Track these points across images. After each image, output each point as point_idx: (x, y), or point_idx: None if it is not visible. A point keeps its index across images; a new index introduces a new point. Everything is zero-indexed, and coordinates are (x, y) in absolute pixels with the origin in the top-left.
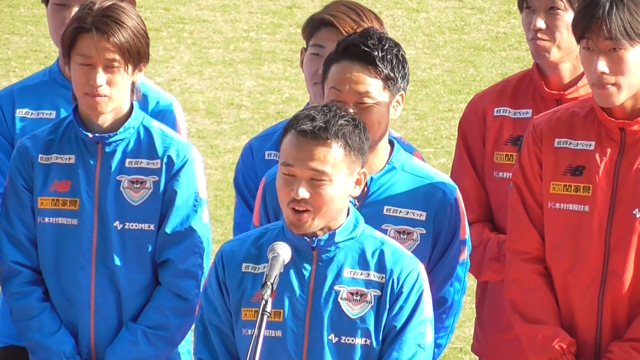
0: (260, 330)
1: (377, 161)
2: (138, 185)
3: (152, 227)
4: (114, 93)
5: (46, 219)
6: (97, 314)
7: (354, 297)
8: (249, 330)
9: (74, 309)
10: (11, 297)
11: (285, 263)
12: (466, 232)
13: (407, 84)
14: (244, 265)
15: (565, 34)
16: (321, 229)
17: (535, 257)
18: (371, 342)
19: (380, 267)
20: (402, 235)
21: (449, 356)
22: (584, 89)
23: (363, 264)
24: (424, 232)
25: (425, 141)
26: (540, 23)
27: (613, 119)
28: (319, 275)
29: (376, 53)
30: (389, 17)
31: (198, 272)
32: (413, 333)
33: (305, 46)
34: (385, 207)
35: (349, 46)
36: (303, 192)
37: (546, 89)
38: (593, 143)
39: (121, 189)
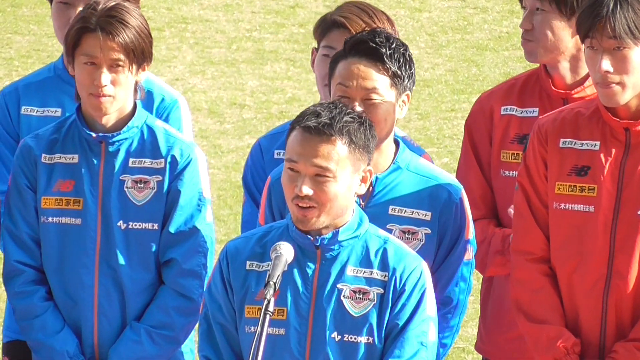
0: (263, 329)
1: (382, 161)
2: (142, 185)
3: (155, 226)
4: (118, 93)
5: (50, 219)
6: (100, 313)
7: (357, 295)
8: (252, 328)
9: (77, 309)
10: (14, 297)
11: (288, 263)
12: (471, 232)
13: (413, 85)
14: (248, 263)
15: (550, 34)
16: (327, 227)
17: (540, 257)
18: (374, 340)
19: (384, 265)
20: (407, 235)
21: (451, 356)
22: (590, 89)
23: (366, 262)
24: (429, 232)
25: (428, 141)
26: (526, 23)
27: (618, 119)
28: (322, 273)
29: (384, 50)
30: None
31: (202, 271)
32: (415, 331)
33: (316, 46)
34: (390, 207)
35: (357, 43)
36: (306, 189)
37: (553, 88)
38: (598, 143)
39: (125, 188)
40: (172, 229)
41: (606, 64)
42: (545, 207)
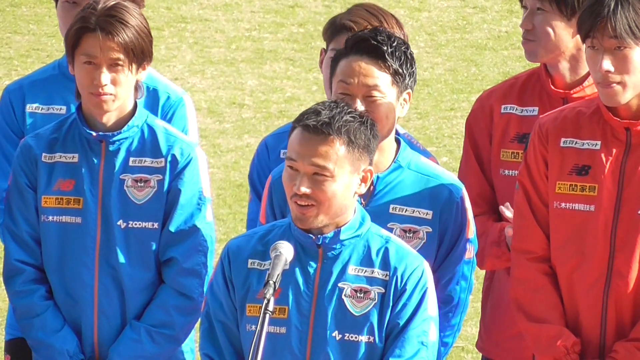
0: (263, 328)
1: (383, 159)
2: (142, 184)
3: (156, 225)
4: (118, 92)
5: (50, 218)
6: (100, 312)
7: (358, 294)
8: (253, 326)
9: (77, 308)
10: (15, 296)
11: (288, 262)
12: (472, 230)
13: (414, 83)
14: (249, 261)
15: (551, 34)
16: (327, 226)
17: (540, 257)
18: (374, 340)
19: (385, 264)
20: (408, 234)
21: (451, 355)
22: (590, 89)
23: (368, 261)
24: (430, 230)
25: (427, 140)
26: (527, 23)
27: (618, 119)
28: (324, 272)
29: (385, 48)
30: None
31: (202, 270)
32: (416, 331)
33: (325, 48)
34: (392, 206)
35: (359, 41)
36: (304, 188)
37: (552, 88)
38: (599, 142)
39: (125, 187)
40: (172, 228)
41: (607, 64)
42: (545, 207)
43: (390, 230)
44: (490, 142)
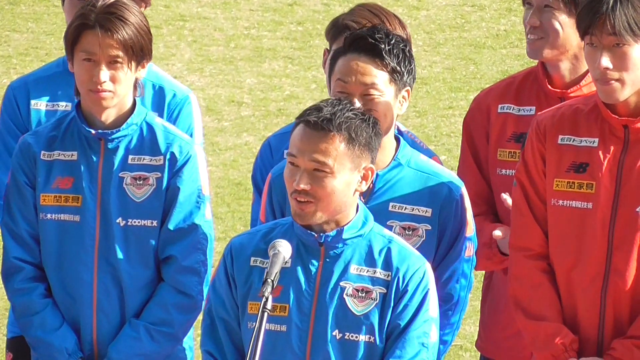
0: (261, 327)
1: (383, 157)
2: (141, 182)
3: (154, 223)
4: (117, 89)
5: (48, 216)
6: (99, 310)
7: (359, 294)
8: (254, 324)
9: (76, 306)
10: (14, 294)
11: (286, 260)
12: (472, 228)
13: (413, 81)
14: (252, 259)
15: (561, 31)
16: (327, 223)
17: (538, 254)
18: (375, 340)
19: (387, 264)
20: (407, 232)
21: (449, 353)
22: (587, 88)
23: (370, 261)
24: (429, 228)
25: (425, 138)
26: (534, 20)
27: (617, 116)
28: (325, 271)
29: (383, 46)
30: None
31: (201, 268)
32: (417, 332)
33: (328, 48)
34: (391, 204)
35: (356, 39)
36: (303, 184)
37: (550, 87)
38: (596, 140)
39: (124, 185)
40: (171, 225)
41: (606, 61)
42: (543, 204)
43: (390, 228)
44: (488, 142)
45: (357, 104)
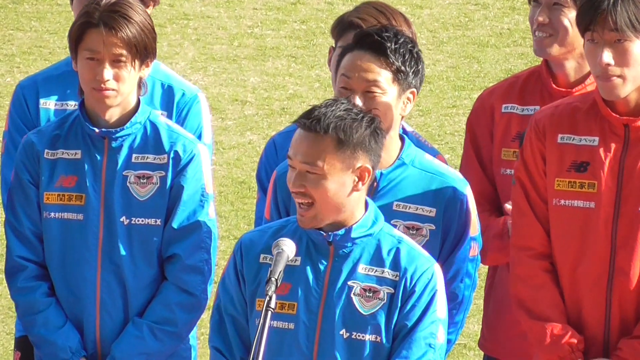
0: (265, 325)
1: (387, 156)
2: (145, 181)
3: (158, 222)
4: (120, 88)
5: (52, 214)
6: (102, 309)
7: (367, 294)
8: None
9: (79, 304)
10: (17, 292)
11: (290, 259)
12: (476, 228)
13: (419, 82)
14: (262, 256)
15: (570, 29)
16: (330, 224)
17: (540, 253)
18: (381, 339)
19: (395, 265)
20: (411, 231)
21: (453, 352)
22: (592, 87)
23: (378, 261)
24: (433, 227)
25: (429, 137)
26: (542, 17)
27: (617, 115)
28: (334, 270)
29: (389, 44)
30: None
31: (204, 267)
32: (424, 333)
33: (333, 45)
34: (395, 203)
35: (363, 36)
36: (295, 185)
37: (554, 86)
38: (597, 138)
39: (128, 184)
40: (174, 224)
41: (607, 57)
42: (544, 202)
43: (394, 227)
44: (492, 141)
45: (358, 101)
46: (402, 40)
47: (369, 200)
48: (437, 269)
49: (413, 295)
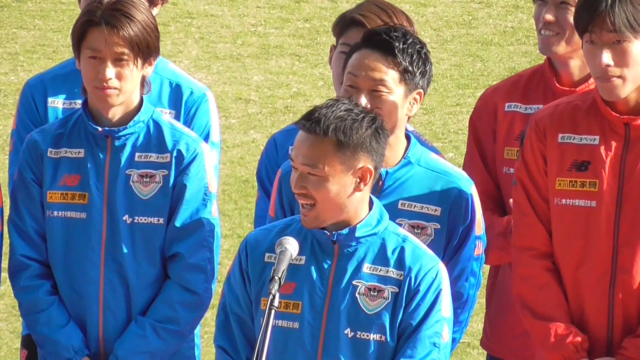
0: (268, 324)
1: (392, 155)
2: (147, 179)
3: (161, 221)
4: (123, 86)
5: (55, 213)
6: (105, 307)
7: (372, 293)
8: None
9: (82, 303)
10: (20, 291)
11: (293, 257)
12: (481, 227)
13: (427, 83)
14: (266, 255)
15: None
16: (334, 224)
17: (542, 253)
18: (386, 339)
19: (400, 264)
20: (416, 230)
21: (456, 350)
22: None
23: (383, 260)
24: (438, 227)
25: (433, 136)
26: (549, 16)
27: (617, 114)
28: (338, 269)
29: (397, 44)
30: None
31: (207, 266)
32: (429, 332)
33: (334, 43)
34: (400, 202)
35: (372, 35)
36: (297, 187)
37: (557, 85)
38: (597, 137)
39: (130, 183)
40: (177, 223)
41: (607, 58)
42: (545, 202)
43: (399, 226)
44: (494, 140)
45: (363, 101)
46: (410, 40)
47: (374, 199)
48: (441, 267)
49: (418, 294)
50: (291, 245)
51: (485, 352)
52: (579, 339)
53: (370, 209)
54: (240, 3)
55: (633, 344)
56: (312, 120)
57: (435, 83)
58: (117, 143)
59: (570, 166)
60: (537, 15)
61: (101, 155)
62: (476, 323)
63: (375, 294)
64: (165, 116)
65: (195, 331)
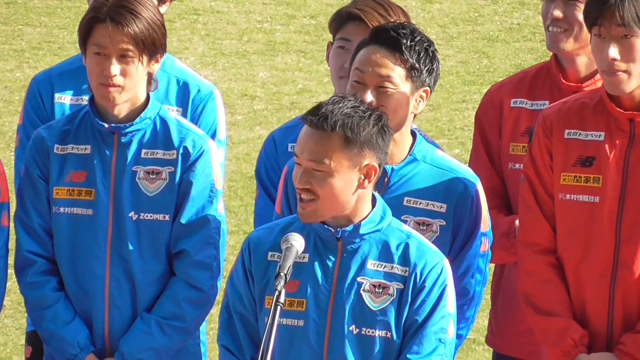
0: (274, 320)
1: (398, 152)
2: (154, 176)
3: (167, 217)
4: (127, 83)
5: (61, 209)
6: (111, 304)
7: (376, 290)
8: None
9: (88, 299)
10: (26, 287)
11: (299, 254)
12: (487, 224)
13: (434, 82)
14: (270, 253)
15: (584, 25)
16: (337, 221)
17: (546, 249)
18: (391, 335)
19: (404, 260)
20: (421, 227)
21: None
22: (601, 82)
23: (387, 256)
24: (444, 223)
25: (439, 132)
26: (558, 12)
27: (622, 110)
28: (342, 266)
29: (405, 41)
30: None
31: (213, 263)
32: (434, 328)
33: (331, 40)
34: (406, 198)
35: (380, 31)
36: (301, 182)
37: (563, 81)
38: (603, 134)
39: (137, 179)
40: (183, 220)
41: (613, 51)
42: (551, 198)
43: (404, 222)
44: (500, 136)
45: (369, 97)
46: (418, 38)
47: (377, 196)
48: (446, 263)
49: (423, 291)
50: (297, 242)
51: (491, 349)
52: (578, 334)
53: (373, 206)
54: (246, 0)
55: (631, 340)
56: (319, 116)
57: (441, 79)
58: (123, 140)
59: (575, 162)
60: (545, 11)
61: (108, 152)
62: (482, 319)
63: (380, 290)
64: (172, 113)
65: (201, 328)
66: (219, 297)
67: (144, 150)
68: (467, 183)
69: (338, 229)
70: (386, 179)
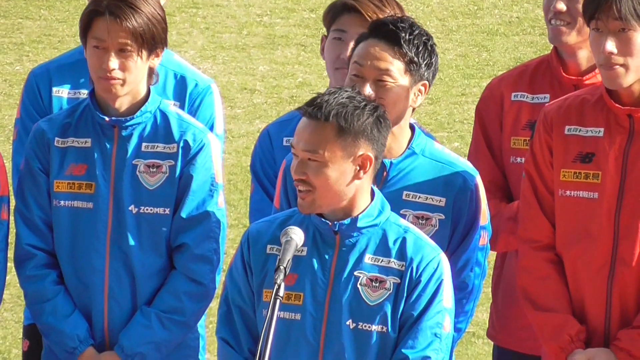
0: (274, 313)
1: (397, 146)
2: (154, 170)
3: (167, 211)
4: (127, 77)
5: (62, 202)
6: (111, 297)
7: (373, 284)
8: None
9: (88, 293)
10: (26, 280)
11: (299, 247)
12: (486, 217)
13: (432, 76)
14: (268, 246)
15: None
16: (335, 212)
17: (546, 245)
18: (387, 330)
19: (401, 254)
20: (420, 221)
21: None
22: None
23: (384, 250)
24: (443, 217)
25: (438, 125)
26: (561, 5)
27: (621, 106)
28: (340, 260)
29: (403, 34)
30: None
31: (213, 257)
32: (430, 322)
33: (325, 33)
34: (405, 192)
35: (379, 25)
36: (297, 173)
37: (564, 75)
38: (602, 130)
39: (137, 173)
40: (183, 213)
41: (610, 45)
42: (551, 195)
43: (403, 217)
44: (501, 129)
45: (368, 90)
46: (417, 32)
47: (376, 190)
48: (443, 258)
49: (419, 285)
50: (297, 235)
51: (491, 342)
52: (575, 329)
53: (371, 199)
54: None
55: (627, 336)
56: (314, 106)
57: (441, 73)
58: (124, 133)
59: (575, 158)
60: (547, 5)
61: (108, 145)
62: (481, 313)
63: (377, 284)
64: (173, 107)
65: (200, 321)
66: (219, 290)
67: (144, 144)
68: (466, 176)
69: (336, 223)
70: (385, 173)
